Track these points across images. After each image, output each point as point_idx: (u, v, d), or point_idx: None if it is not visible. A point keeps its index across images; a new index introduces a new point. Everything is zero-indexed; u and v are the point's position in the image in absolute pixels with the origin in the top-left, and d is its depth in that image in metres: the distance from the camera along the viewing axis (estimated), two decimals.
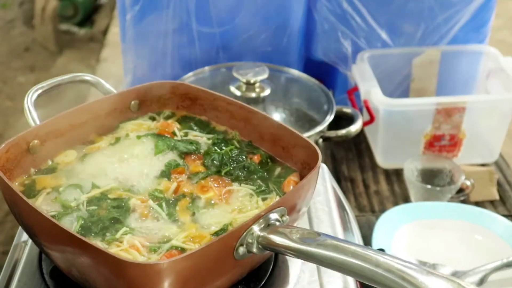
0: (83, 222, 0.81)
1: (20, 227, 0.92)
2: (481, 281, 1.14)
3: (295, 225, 0.84)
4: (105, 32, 4.09)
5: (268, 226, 0.76)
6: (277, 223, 0.77)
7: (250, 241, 0.75)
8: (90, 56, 3.83)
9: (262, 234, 0.75)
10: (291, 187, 0.89)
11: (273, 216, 0.77)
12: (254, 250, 0.75)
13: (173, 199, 0.87)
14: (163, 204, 0.85)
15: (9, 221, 2.51)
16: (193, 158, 0.95)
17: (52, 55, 3.83)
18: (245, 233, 0.75)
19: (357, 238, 1.06)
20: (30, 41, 3.95)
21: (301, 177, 0.91)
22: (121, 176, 0.90)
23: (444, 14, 1.66)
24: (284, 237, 0.75)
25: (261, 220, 0.76)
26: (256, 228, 0.75)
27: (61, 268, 0.81)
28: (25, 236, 0.93)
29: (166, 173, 0.91)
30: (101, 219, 0.81)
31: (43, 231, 0.78)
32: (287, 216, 0.80)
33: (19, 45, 3.92)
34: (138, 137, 0.98)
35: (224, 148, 0.97)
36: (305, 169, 0.91)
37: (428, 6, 1.65)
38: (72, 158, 0.94)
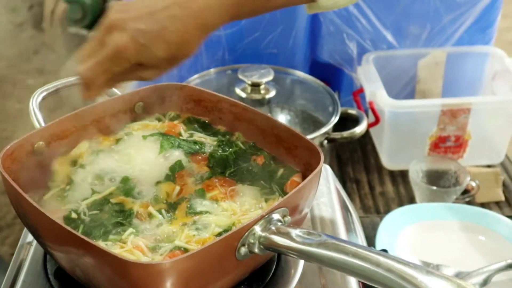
0: (83, 227, 0.81)
1: (25, 228, 0.93)
2: (485, 281, 1.14)
3: (297, 226, 0.85)
4: None
5: (270, 227, 0.76)
6: (279, 224, 0.77)
7: (252, 241, 0.75)
8: None
9: (263, 234, 0.76)
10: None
11: (275, 216, 0.77)
12: (256, 250, 0.76)
13: (175, 202, 0.87)
14: (163, 210, 0.85)
15: (18, 224, 2.52)
16: (199, 158, 0.96)
17: (61, 58, 3.84)
18: (246, 234, 0.75)
19: (361, 239, 1.06)
20: (39, 44, 3.97)
21: (304, 178, 0.91)
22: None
23: (449, 16, 1.66)
24: (285, 238, 0.75)
25: (262, 221, 0.76)
26: (257, 229, 0.76)
27: (65, 269, 0.82)
28: (30, 237, 0.94)
29: (171, 177, 0.92)
30: (104, 224, 0.82)
31: (48, 232, 0.78)
32: (289, 217, 0.80)
33: (28, 48, 3.93)
34: (144, 137, 0.98)
35: (228, 149, 0.97)
36: (308, 170, 0.91)
37: (434, 8, 1.65)
38: (83, 150, 0.95)
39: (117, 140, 0.99)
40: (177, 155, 0.95)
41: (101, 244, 0.77)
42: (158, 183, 0.90)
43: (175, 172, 0.92)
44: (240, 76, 1.44)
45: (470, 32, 1.70)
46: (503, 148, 1.64)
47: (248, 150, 0.98)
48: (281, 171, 0.94)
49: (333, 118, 1.40)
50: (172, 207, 0.86)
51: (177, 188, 0.89)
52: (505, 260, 1.17)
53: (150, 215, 0.84)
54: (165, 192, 0.88)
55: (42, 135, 0.92)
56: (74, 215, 0.83)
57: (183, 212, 0.85)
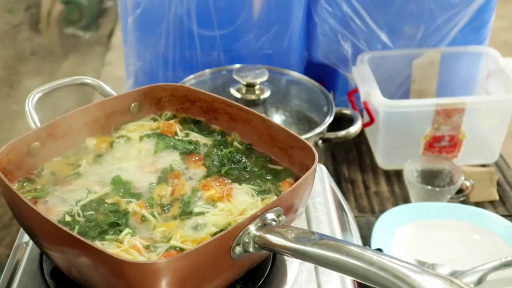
0: (78, 227, 0.81)
1: (21, 228, 0.93)
2: (480, 280, 1.15)
3: (292, 225, 0.85)
4: (110, 35, 4.10)
5: (265, 226, 0.77)
6: (274, 223, 0.78)
7: (247, 240, 0.76)
8: (96, 59, 3.84)
9: (258, 233, 0.76)
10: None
11: (270, 216, 0.78)
12: (251, 249, 0.76)
13: (169, 203, 0.87)
14: (155, 212, 0.85)
15: (15, 225, 2.52)
16: (194, 159, 0.96)
17: (58, 59, 3.84)
18: (241, 233, 0.75)
19: (356, 238, 1.06)
20: (36, 45, 3.96)
21: (298, 178, 0.91)
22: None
23: (444, 16, 1.67)
24: (279, 237, 0.75)
25: (257, 220, 0.76)
26: (252, 228, 0.76)
27: (61, 269, 0.82)
28: (26, 237, 0.94)
29: (163, 179, 0.92)
30: (99, 224, 0.82)
31: (43, 232, 0.79)
32: (284, 216, 0.80)
33: (26, 49, 3.93)
34: (141, 137, 0.99)
35: (224, 150, 0.98)
36: (303, 170, 0.91)
37: (428, 8, 1.65)
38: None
39: (112, 141, 0.99)
40: (172, 155, 0.96)
41: (97, 244, 0.78)
42: (151, 184, 0.90)
43: (167, 174, 0.92)
44: (235, 77, 1.44)
45: (464, 32, 1.70)
46: (498, 148, 1.65)
47: (244, 150, 0.98)
48: (276, 171, 0.95)
49: (327, 118, 1.41)
50: (166, 208, 0.87)
51: (169, 189, 0.89)
52: (499, 259, 1.17)
53: (143, 217, 0.84)
54: (158, 194, 0.89)
55: (38, 136, 0.92)
56: (68, 218, 0.83)
57: (177, 213, 0.85)
